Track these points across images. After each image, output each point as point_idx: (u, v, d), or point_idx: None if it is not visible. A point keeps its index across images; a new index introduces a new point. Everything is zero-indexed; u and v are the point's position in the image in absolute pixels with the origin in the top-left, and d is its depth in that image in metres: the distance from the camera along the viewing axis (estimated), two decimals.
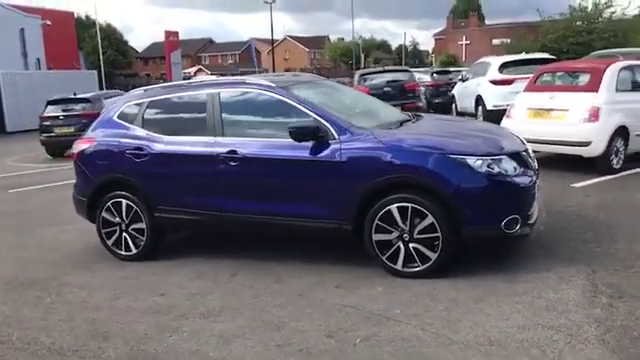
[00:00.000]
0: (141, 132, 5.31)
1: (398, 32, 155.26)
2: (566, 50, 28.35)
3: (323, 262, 4.94)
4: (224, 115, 5.01)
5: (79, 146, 5.66)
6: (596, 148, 7.53)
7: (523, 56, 13.58)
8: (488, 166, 4.26)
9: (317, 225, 4.68)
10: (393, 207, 4.38)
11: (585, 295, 3.95)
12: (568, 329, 3.47)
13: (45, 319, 4.23)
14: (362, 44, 70.95)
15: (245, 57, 79.73)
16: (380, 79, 14.91)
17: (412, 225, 4.36)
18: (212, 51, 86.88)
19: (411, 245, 4.39)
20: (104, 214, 5.47)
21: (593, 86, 7.73)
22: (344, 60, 78.12)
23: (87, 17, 60.82)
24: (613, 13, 30.30)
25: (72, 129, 14.79)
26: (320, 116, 4.65)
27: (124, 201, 5.36)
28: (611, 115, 7.58)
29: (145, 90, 5.71)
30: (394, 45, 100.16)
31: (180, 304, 4.32)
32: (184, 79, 40.03)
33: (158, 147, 5.17)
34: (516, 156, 4.50)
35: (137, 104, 5.47)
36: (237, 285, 4.63)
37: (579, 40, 29.18)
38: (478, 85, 12.99)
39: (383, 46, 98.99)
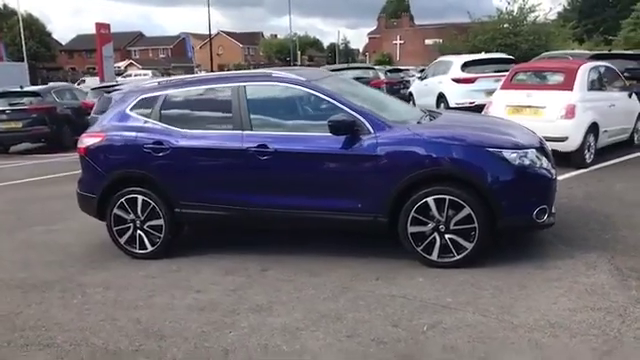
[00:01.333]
0: (160, 126, 5.15)
1: (327, 30, 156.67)
2: (495, 51, 29.72)
3: (352, 255, 4.99)
4: (251, 109, 4.96)
5: (87, 140, 5.41)
6: (572, 143, 7.99)
7: (483, 56, 14.15)
8: (520, 158, 4.47)
9: (351, 218, 4.73)
10: (430, 199, 4.50)
11: (616, 279, 4.24)
12: (616, 310, 3.72)
13: (83, 320, 4.05)
14: (298, 41, 70.91)
15: (177, 52, 77.92)
16: (345, 76, 14.98)
17: (448, 216, 4.50)
18: (142, 45, 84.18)
19: (447, 236, 4.53)
20: (117, 211, 5.27)
21: (568, 85, 8.21)
22: (279, 57, 78.05)
23: (5, 6, 57.59)
24: (536, 17, 32.14)
25: (20, 124, 14.02)
26: (354, 110, 4.70)
27: (140, 197, 5.18)
28: (585, 112, 8.08)
29: (159, 83, 5.54)
30: (325, 43, 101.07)
31: (222, 300, 4.25)
32: (116, 74, 38.62)
33: (180, 141, 5.03)
34: (540, 149, 4.75)
35: (153, 97, 5.29)
36: (274, 280, 4.61)
37: (507, 42, 30.47)
38: (440, 83, 13.42)
39: (316, 44, 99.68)
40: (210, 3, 53.44)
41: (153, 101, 5.26)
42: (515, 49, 27.36)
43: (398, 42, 64.63)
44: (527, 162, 4.49)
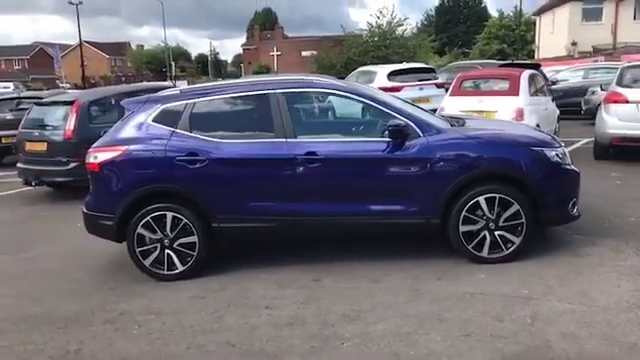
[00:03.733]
0: (192, 136, 4.82)
1: (189, 41, 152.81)
2: (369, 63, 31.20)
3: (396, 258, 5.02)
4: (293, 116, 4.83)
5: (101, 155, 4.90)
6: None
7: (406, 65, 14.79)
8: (556, 156, 4.84)
9: (404, 221, 4.79)
10: (481, 198, 4.70)
11: None
12: None
13: (166, 350, 3.69)
14: (171, 52, 68.76)
15: (36, 63, 71.96)
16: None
17: (498, 214, 4.73)
18: None
19: (496, 233, 4.75)
20: (141, 230, 4.83)
21: (514, 91, 8.94)
22: (150, 67, 75.07)
23: None
24: (404, 31, 34.40)
25: None
26: (403, 115, 4.78)
27: (169, 214, 4.80)
28: (531, 115, 8.84)
29: (181, 91, 5.16)
30: (193, 54, 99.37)
31: (303, 313, 4.09)
32: None
33: (217, 152, 4.75)
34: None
35: (177, 106, 4.93)
36: (337, 289, 4.51)
37: (379, 54, 32.24)
38: None
39: (184, 54, 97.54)
40: (58, 10, 49.80)
41: (178, 111, 4.91)
42: (387, 61, 28.87)
43: (275, 53, 65.34)
44: (561, 159, 4.87)
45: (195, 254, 4.87)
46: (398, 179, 4.75)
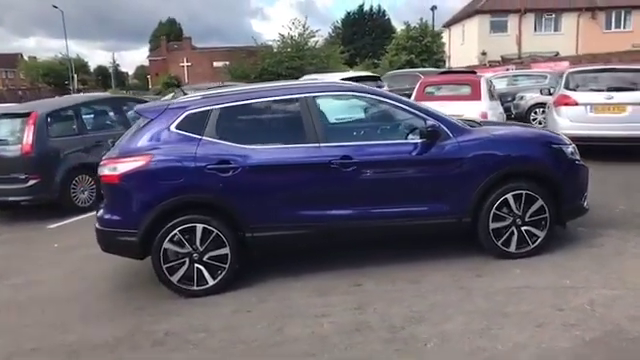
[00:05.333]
0: (221, 143, 4.60)
1: (83, 52, 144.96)
2: (284, 74, 31.43)
3: (426, 259, 5.06)
4: (325, 120, 4.76)
5: (122, 166, 4.53)
6: None
7: (353, 74, 14.97)
8: (572, 153, 5.12)
9: (437, 222, 4.85)
10: (509, 195, 4.86)
11: None
12: None
13: None
14: (73, 63, 65.27)
15: None
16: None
17: (524, 210, 4.91)
18: None
19: (523, 228, 4.93)
20: (167, 245, 4.54)
21: (476, 95, 9.38)
22: (48, 81, 70.72)
23: None
24: (317, 42, 35.06)
25: None
26: (432, 116, 4.85)
27: (199, 225, 4.55)
28: (492, 118, 9.29)
29: (204, 97, 4.90)
30: (92, 66, 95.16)
31: (367, 319, 3.99)
32: None
33: (250, 158, 4.57)
34: None
35: (202, 112, 4.69)
36: (382, 292, 4.47)
37: (293, 65, 32.61)
38: None
39: (83, 67, 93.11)
40: None
41: (204, 117, 4.68)
42: (301, 71, 29.24)
43: (185, 64, 63.87)
44: (575, 155, 5.16)
45: (227, 267, 4.64)
46: (431, 180, 4.80)
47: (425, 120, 4.78)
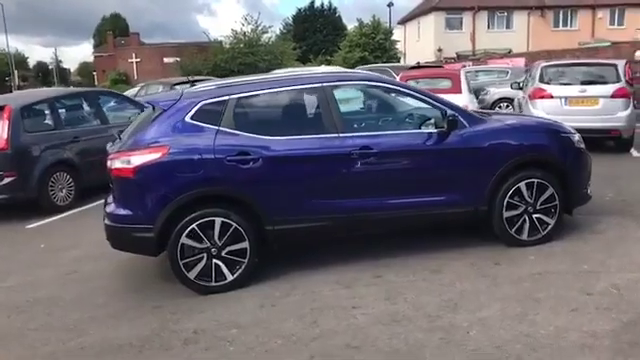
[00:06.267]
0: (239, 134, 4.46)
1: (20, 48, 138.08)
2: (236, 70, 30.98)
3: (440, 248, 5.07)
4: (343, 110, 4.69)
5: (137, 158, 4.31)
6: None
7: (332, 68, 14.87)
8: (578, 141, 5.25)
9: (454, 211, 4.87)
10: (522, 184, 4.93)
11: None
12: None
13: None
14: (13, 59, 62.50)
15: None
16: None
17: (536, 198, 5.00)
18: None
19: (534, 216, 5.02)
20: (185, 241, 4.37)
21: (457, 89, 9.51)
22: None
23: None
24: (270, 38, 34.81)
25: None
26: (448, 106, 4.86)
27: (218, 219, 4.40)
28: None
29: (219, 87, 4.73)
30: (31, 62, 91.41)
31: (401, 309, 3.96)
32: None
33: (270, 149, 4.45)
34: None
35: (218, 102, 4.53)
36: (408, 282, 4.45)
37: (246, 61, 32.20)
38: None
39: (22, 63, 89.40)
40: None
41: (219, 107, 4.52)
42: (255, 68, 28.98)
43: (134, 60, 62.21)
44: (581, 144, 5.28)
45: (246, 261, 4.51)
46: (450, 169, 4.81)
47: (442, 110, 4.79)
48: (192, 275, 4.43)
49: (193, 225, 4.37)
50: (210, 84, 4.82)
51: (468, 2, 33.93)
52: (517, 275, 4.44)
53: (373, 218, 4.74)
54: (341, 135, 4.60)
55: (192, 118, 4.47)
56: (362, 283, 4.51)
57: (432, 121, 4.81)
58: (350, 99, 4.95)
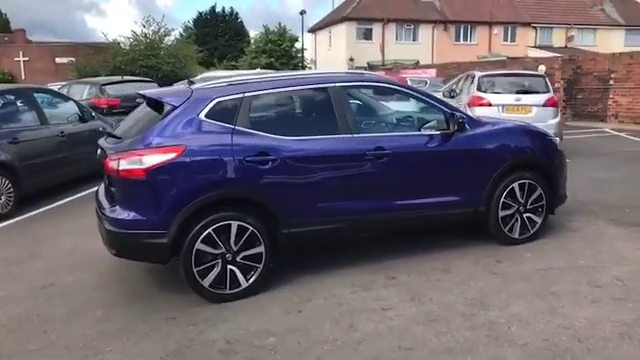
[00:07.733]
0: (256, 133, 4.28)
1: None
2: (138, 72, 29.70)
3: (439, 249, 5.17)
4: (355, 110, 4.65)
5: (150, 158, 3.98)
6: None
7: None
8: (559, 145, 5.59)
9: (456, 212, 4.99)
10: (516, 185, 5.17)
11: (622, 227, 5.75)
12: None
13: None
14: None
15: None
16: (128, 89, 12.97)
17: (527, 198, 5.25)
18: None
19: (525, 215, 5.27)
20: (199, 246, 4.12)
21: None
22: None
23: None
24: (173, 41, 33.83)
25: None
26: (451, 109, 4.99)
27: (235, 223, 4.19)
28: None
29: (230, 84, 4.47)
30: None
31: (427, 310, 3.99)
32: None
33: (289, 149, 4.31)
34: None
35: (232, 100, 4.31)
36: (424, 282, 4.49)
37: (148, 63, 31.03)
38: None
39: None
40: None
41: (234, 105, 4.31)
42: (157, 70, 28.13)
43: (22, 59, 57.68)
44: (561, 147, 5.63)
45: (261, 266, 4.32)
46: (456, 170, 4.93)
47: (449, 112, 4.90)
48: (206, 283, 4.17)
49: (209, 229, 4.12)
50: (219, 81, 4.57)
51: (378, 13, 35.09)
52: (524, 272, 4.62)
53: (383, 219, 4.74)
54: (355, 136, 4.56)
55: (206, 116, 4.22)
56: (379, 285, 4.48)
57: (440, 123, 4.90)
58: (362, 99, 4.92)
